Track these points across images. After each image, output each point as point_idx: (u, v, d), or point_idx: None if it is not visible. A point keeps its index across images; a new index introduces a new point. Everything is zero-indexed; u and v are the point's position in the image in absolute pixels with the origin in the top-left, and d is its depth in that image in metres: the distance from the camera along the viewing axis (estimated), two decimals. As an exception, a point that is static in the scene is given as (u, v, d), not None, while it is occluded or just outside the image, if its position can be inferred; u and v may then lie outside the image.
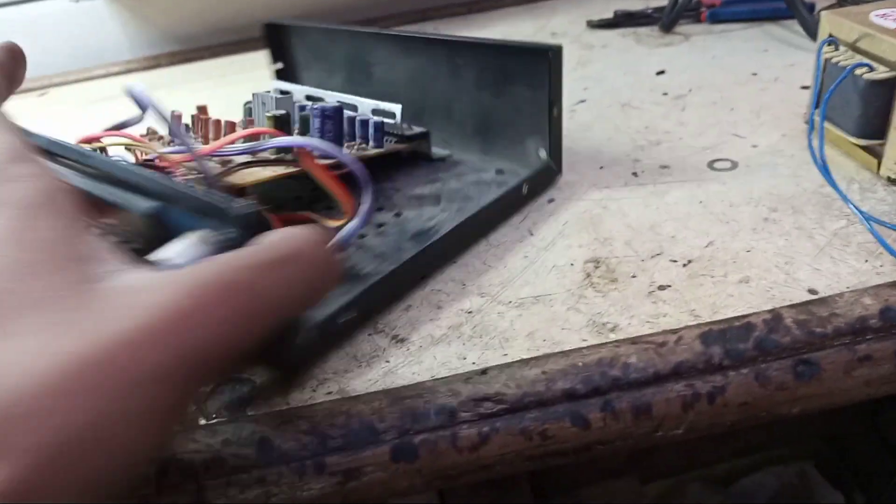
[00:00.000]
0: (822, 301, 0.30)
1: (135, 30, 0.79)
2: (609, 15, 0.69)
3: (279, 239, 0.23)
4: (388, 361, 0.30)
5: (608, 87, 0.56)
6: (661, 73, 0.57)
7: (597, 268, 0.35)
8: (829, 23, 0.41)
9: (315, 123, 0.38)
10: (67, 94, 0.72)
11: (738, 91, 0.52)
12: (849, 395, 0.29)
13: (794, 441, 1.00)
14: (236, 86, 0.67)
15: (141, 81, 0.67)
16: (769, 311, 0.30)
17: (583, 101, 0.54)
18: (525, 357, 0.30)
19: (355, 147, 0.40)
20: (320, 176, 0.34)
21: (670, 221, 0.38)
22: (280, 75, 0.53)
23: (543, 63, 0.38)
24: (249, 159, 0.36)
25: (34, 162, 0.23)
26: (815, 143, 0.40)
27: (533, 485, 0.93)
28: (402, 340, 0.31)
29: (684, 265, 0.34)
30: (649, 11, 0.68)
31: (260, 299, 0.21)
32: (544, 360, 0.29)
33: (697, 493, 0.98)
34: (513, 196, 0.39)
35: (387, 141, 0.42)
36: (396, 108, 0.42)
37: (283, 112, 0.38)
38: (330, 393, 0.29)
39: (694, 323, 0.30)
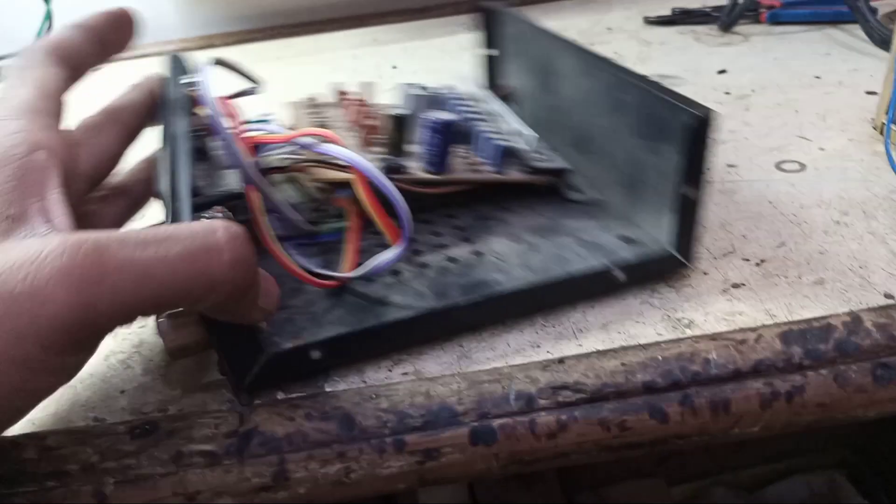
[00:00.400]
0: (903, 306, 0.30)
1: (188, 7, 0.80)
2: (666, 12, 0.69)
3: (184, 227, 0.22)
4: (461, 346, 0.31)
5: (675, 81, 0.56)
6: (722, 72, 0.57)
7: (668, 263, 0.35)
8: (908, 28, 0.41)
9: (425, 134, 0.35)
10: (121, 71, 0.73)
11: (802, 94, 0.52)
12: (927, 401, 0.29)
13: (821, 449, 0.99)
14: (293, 68, 0.68)
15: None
16: (848, 314, 0.30)
17: (643, 97, 0.54)
18: (601, 349, 0.30)
19: (468, 161, 0.37)
20: (365, 200, 0.31)
21: (741, 220, 0.38)
22: (488, 64, 0.49)
23: (683, 124, 0.29)
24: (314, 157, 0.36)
25: (24, 120, 0.25)
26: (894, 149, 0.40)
27: (560, 480, 0.93)
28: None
29: (757, 264, 0.34)
30: (707, 10, 0.67)
31: (127, 276, 0.21)
32: (623, 352, 0.29)
33: (723, 496, 0.98)
34: (603, 278, 0.32)
35: (515, 167, 0.38)
36: (530, 137, 0.39)
37: (405, 112, 0.36)
38: (406, 374, 0.30)
39: (772, 322, 0.30)
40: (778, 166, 0.43)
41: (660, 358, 0.29)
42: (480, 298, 0.30)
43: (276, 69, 0.69)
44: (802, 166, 0.42)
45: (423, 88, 0.40)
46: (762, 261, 0.35)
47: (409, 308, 0.30)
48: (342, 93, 0.44)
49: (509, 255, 0.33)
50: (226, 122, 0.31)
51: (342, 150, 0.30)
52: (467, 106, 0.40)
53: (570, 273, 0.31)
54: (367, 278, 0.32)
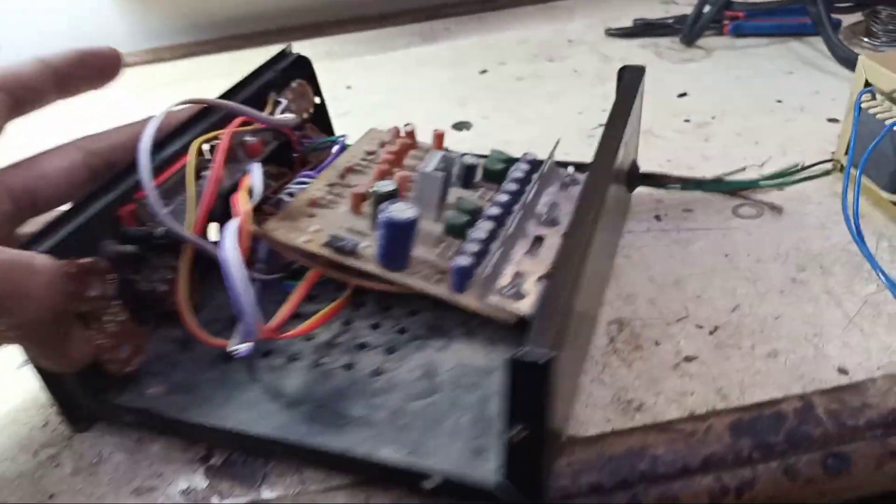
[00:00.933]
0: (855, 388, 0.30)
1: (134, 18, 0.76)
2: (628, 22, 0.67)
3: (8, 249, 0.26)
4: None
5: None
6: (682, 95, 0.55)
7: (620, 331, 0.34)
8: (867, 70, 0.40)
9: (379, 225, 0.32)
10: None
11: (763, 120, 0.51)
12: (878, 487, 0.28)
13: None
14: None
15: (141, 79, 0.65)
16: (800, 398, 0.29)
17: (601, 126, 0.52)
18: (548, 437, 0.29)
19: (441, 259, 0.34)
20: (183, 269, 0.33)
21: (695, 277, 0.37)
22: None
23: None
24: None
25: None
26: (850, 197, 0.39)
27: None
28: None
29: (711, 332, 0.33)
30: (670, 21, 0.66)
31: None
32: (570, 448, 0.28)
33: None
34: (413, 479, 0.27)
35: (476, 290, 0.32)
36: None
37: (387, 189, 0.34)
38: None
39: (722, 405, 0.30)
40: (735, 211, 0.42)
41: (607, 455, 0.28)
42: (309, 446, 0.29)
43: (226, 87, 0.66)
44: (760, 212, 0.41)
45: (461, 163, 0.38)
46: (716, 328, 0.34)
47: (234, 417, 0.30)
48: (401, 135, 0.42)
49: (401, 395, 0.31)
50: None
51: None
52: (509, 193, 0.36)
53: (385, 463, 0.28)
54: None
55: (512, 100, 0.58)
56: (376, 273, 0.33)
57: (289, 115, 0.40)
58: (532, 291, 0.32)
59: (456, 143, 0.52)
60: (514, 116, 0.55)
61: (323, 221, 0.35)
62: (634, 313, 0.35)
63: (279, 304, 0.33)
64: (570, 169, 0.42)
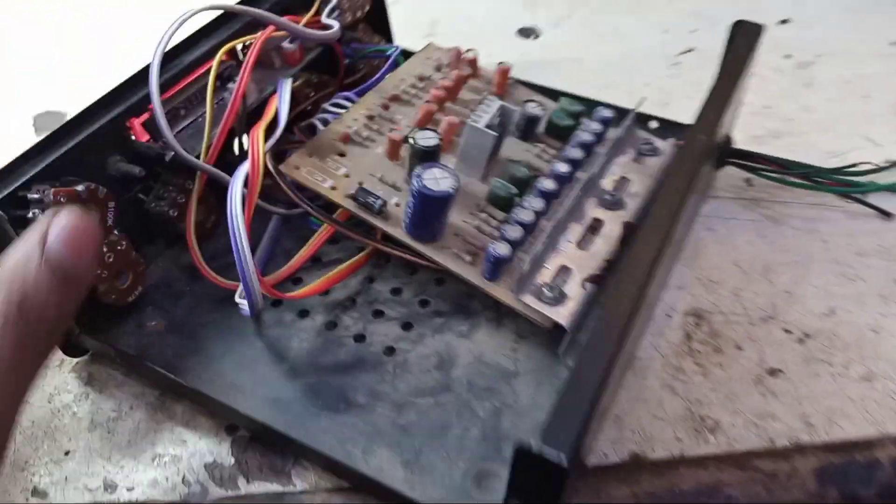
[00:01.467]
0: (964, 437, 0.26)
1: None
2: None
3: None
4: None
5: (722, 33, 0.47)
6: (784, 21, 0.48)
7: (699, 326, 0.30)
8: None
9: (410, 193, 0.27)
10: None
11: (875, 67, 0.44)
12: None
13: None
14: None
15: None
16: (898, 442, 0.26)
17: (690, 51, 0.46)
18: (607, 459, 0.26)
19: (479, 231, 0.29)
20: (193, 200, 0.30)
21: (787, 266, 0.33)
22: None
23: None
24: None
25: None
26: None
27: None
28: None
29: (800, 340, 0.30)
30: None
31: None
32: (635, 472, 0.25)
33: None
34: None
35: (510, 282, 0.28)
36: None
37: (429, 145, 0.29)
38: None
39: (807, 437, 0.26)
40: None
41: (676, 491, 0.25)
42: (299, 441, 0.25)
43: None
44: (864, 187, 0.36)
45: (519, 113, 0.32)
46: (806, 336, 0.30)
47: (226, 379, 0.27)
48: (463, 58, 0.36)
49: (409, 386, 0.27)
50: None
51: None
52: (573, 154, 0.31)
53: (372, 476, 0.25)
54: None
55: (587, 6, 0.50)
56: (402, 240, 0.29)
57: (331, 28, 0.34)
58: (575, 296, 0.28)
59: (519, 54, 0.46)
60: (589, 28, 0.48)
61: (353, 164, 0.30)
62: (716, 305, 0.31)
63: (303, 240, 0.30)
64: (653, 124, 0.37)
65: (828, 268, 0.33)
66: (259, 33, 0.31)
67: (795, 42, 0.46)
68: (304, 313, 0.30)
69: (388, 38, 0.42)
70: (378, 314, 0.30)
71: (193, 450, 0.27)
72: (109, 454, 0.27)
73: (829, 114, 0.41)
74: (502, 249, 0.27)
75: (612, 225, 0.30)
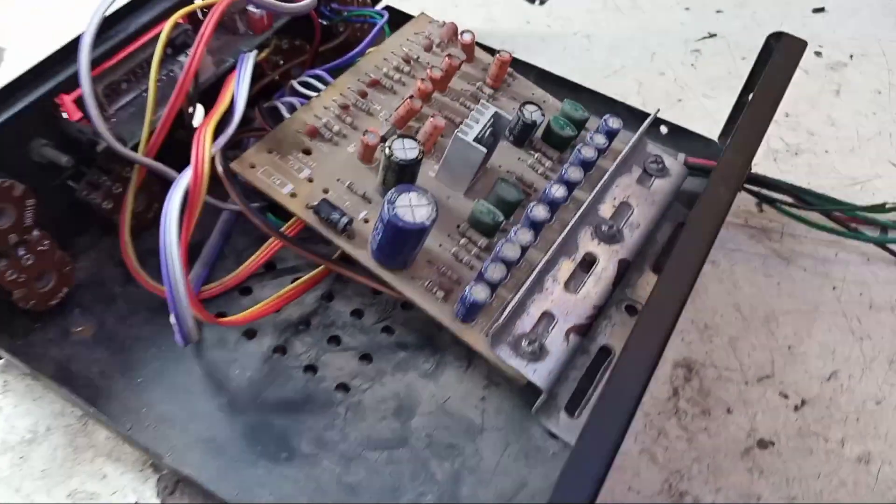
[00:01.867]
0: (960, 545, 0.24)
1: None
2: None
3: None
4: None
5: (748, 19, 0.42)
6: (819, 10, 0.43)
7: (688, 380, 0.28)
8: None
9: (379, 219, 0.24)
10: None
11: (912, 75, 0.40)
12: None
13: None
14: None
15: None
16: (892, 546, 0.24)
17: (712, 37, 0.41)
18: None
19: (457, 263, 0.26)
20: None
21: (792, 315, 0.30)
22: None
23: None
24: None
25: None
26: None
27: None
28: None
29: (796, 408, 0.27)
30: None
31: None
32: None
33: None
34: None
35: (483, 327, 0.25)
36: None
37: (408, 160, 0.24)
38: None
39: (794, 530, 0.24)
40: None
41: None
42: (227, 498, 0.23)
43: None
44: (884, 231, 0.33)
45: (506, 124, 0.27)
46: (803, 402, 0.27)
47: (154, 413, 0.24)
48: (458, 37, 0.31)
49: (361, 436, 0.24)
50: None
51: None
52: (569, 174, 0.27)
53: None
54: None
55: (605, -32, 0.45)
56: (367, 266, 0.25)
57: (298, 4, 0.29)
58: (556, 350, 0.24)
59: (523, 22, 0.41)
60: (604, -3, 0.43)
61: (319, 165, 0.26)
62: (709, 357, 0.28)
63: (258, 241, 0.26)
64: (663, 129, 0.33)
65: (835, 321, 0.30)
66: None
67: (828, 36, 0.42)
68: (250, 333, 0.26)
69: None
70: (334, 341, 0.26)
71: (115, 486, 0.24)
72: (19, 484, 0.24)
73: (856, 130, 0.37)
74: (480, 294, 0.24)
75: (607, 262, 0.27)
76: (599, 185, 0.28)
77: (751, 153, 0.26)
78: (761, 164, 0.35)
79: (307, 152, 0.27)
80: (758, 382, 0.28)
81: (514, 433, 0.25)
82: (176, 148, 0.25)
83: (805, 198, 0.31)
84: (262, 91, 0.30)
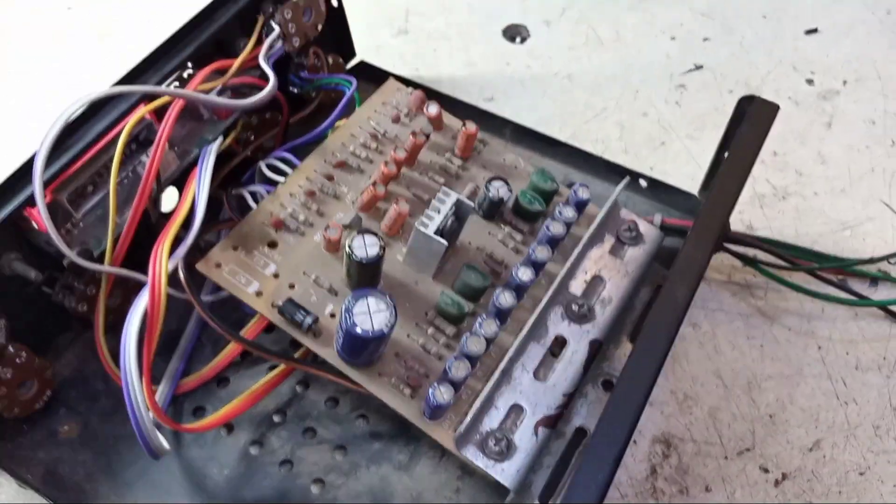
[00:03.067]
0: None
1: None
2: None
3: None
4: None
5: (736, 46, 0.41)
6: (812, 31, 0.42)
7: (666, 457, 0.27)
8: None
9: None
10: None
11: (909, 101, 0.39)
12: None
13: None
14: None
15: None
16: None
17: (699, 68, 0.40)
18: None
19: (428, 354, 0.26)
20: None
21: (775, 380, 0.29)
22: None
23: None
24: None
25: None
26: None
27: None
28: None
29: (777, 483, 0.27)
30: None
31: None
32: None
33: None
34: None
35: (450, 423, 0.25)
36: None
37: (369, 258, 0.24)
38: None
39: None
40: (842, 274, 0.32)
41: None
42: None
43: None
44: (874, 283, 0.32)
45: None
46: (783, 476, 0.27)
47: None
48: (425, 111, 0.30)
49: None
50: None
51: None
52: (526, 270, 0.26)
53: None
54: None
55: (585, 1, 0.44)
56: (333, 364, 0.25)
57: (262, 86, 0.28)
58: (525, 446, 0.24)
59: (503, 63, 0.40)
60: (585, 31, 0.42)
61: (284, 259, 0.26)
62: (688, 431, 0.28)
63: (235, 326, 0.26)
64: (642, 183, 0.32)
65: (819, 385, 0.29)
66: (174, 95, 0.26)
67: (821, 61, 0.40)
68: (228, 427, 0.26)
69: (349, 50, 0.36)
70: (310, 432, 0.27)
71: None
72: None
73: (847, 168, 0.36)
74: (443, 397, 0.23)
75: (577, 344, 0.26)
76: (570, 260, 0.27)
77: (726, 213, 0.26)
78: (747, 212, 0.34)
79: (273, 245, 0.27)
80: (737, 456, 0.27)
81: (487, 529, 0.25)
82: (146, 245, 0.25)
83: (787, 255, 0.31)
84: (236, 170, 0.30)
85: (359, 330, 0.22)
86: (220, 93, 0.28)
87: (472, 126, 0.29)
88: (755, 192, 0.35)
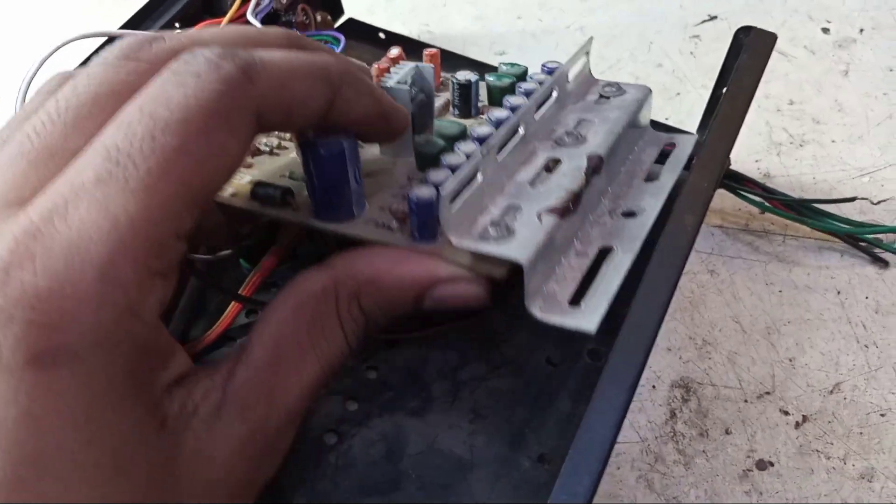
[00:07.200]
0: (964, 566, 0.24)
1: None
2: None
3: None
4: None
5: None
6: (828, -21, 0.41)
7: (685, 401, 0.27)
8: None
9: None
10: None
11: (927, 48, 0.38)
12: None
13: None
14: None
15: None
16: (893, 570, 0.24)
17: (713, 18, 0.39)
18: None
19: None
20: None
21: (794, 325, 0.29)
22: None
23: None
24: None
25: None
26: None
27: None
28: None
29: (797, 425, 0.27)
30: None
31: None
32: None
33: None
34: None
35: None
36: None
37: None
38: None
39: (793, 556, 0.24)
40: (863, 224, 0.32)
41: None
42: None
43: None
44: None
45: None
46: (804, 418, 0.27)
47: None
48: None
49: (353, 484, 0.24)
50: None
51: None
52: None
53: None
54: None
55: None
56: (315, 227, 0.23)
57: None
58: (529, 229, 0.21)
59: (514, 16, 0.39)
60: (598, -19, 0.41)
61: (260, 171, 0.25)
62: (707, 375, 0.28)
63: (238, 282, 0.26)
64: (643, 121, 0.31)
65: (839, 329, 0.29)
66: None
67: (836, 9, 0.40)
68: None
69: (338, 8, 0.36)
70: None
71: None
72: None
73: (865, 115, 0.35)
74: (424, 192, 0.21)
75: (575, 160, 0.24)
76: (545, 104, 0.25)
77: (730, 142, 0.25)
78: (764, 160, 0.34)
79: (248, 167, 0.26)
80: (757, 400, 0.27)
81: (503, 466, 0.25)
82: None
83: (801, 209, 0.30)
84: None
85: (322, 151, 0.21)
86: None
87: (432, 49, 0.28)
88: (772, 141, 0.34)
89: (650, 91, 0.27)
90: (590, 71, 0.28)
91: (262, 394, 0.18)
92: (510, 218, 0.22)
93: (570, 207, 0.22)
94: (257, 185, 0.24)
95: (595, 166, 0.24)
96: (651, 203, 0.23)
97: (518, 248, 0.20)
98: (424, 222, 0.21)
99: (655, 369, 0.28)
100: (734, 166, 0.31)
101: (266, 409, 0.18)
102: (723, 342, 0.28)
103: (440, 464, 0.25)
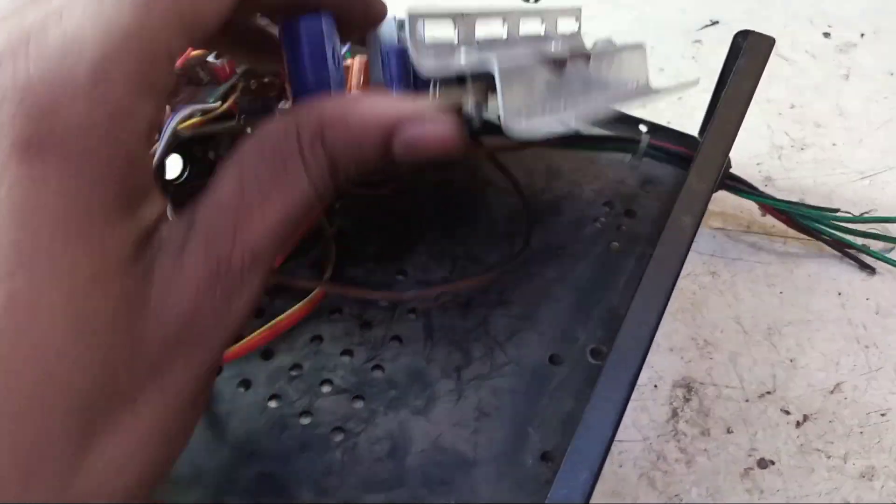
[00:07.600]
0: (963, 564, 0.24)
1: None
2: None
3: None
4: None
5: (752, 0, 0.41)
6: (829, -15, 0.42)
7: (687, 400, 0.28)
8: None
9: None
10: None
11: (928, 52, 0.39)
12: None
13: None
14: None
15: None
16: (893, 567, 0.24)
17: (714, 24, 0.40)
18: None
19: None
20: None
21: (795, 326, 0.29)
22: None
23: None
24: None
25: None
26: None
27: None
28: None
29: (798, 424, 0.27)
30: None
31: None
32: None
33: None
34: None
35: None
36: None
37: None
38: None
39: (794, 554, 0.24)
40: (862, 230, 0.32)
41: None
42: None
43: None
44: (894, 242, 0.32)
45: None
46: (805, 418, 0.27)
47: None
48: None
49: (359, 479, 0.25)
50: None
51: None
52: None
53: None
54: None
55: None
56: None
57: None
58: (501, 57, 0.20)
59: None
60: (601, -14, 0.42)
61: None
62: (709, 375, 0.28)
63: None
64: (643, 128, 0.32)
65: (840, 330, 0.29)
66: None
67: (837, 14, 0.40)
68: (246, 384, 0.27)
69: None
70: (326, 384, 0.27)
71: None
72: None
73: (866, 119, 0.36)
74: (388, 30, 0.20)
75: (579, 67, 0.24)
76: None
77: (728, 143, 0.26)
78: (766, 163, 0.34)
79: None
80: (759, 400, 0.27)
81: (505, 464, 0.25)
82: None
83: (790, 212, 0.30)
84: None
85: (301, 26, 0.19)
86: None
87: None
88: (773, 144, 0.35)
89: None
90: (583, 43, 0.28)
91: (226, 230, 0.17)
92: (485, 48, 0.22)
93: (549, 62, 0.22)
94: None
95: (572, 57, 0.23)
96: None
97: (491, 61, 0.19)
98: (388, 53, 0.21)
99: (657, 369, 0.28)
100: (735, 169, 0.31)
101: (229, 246, 0.17)
102: (724, 342, 0.29)
103: (444, 461, 0.25)
